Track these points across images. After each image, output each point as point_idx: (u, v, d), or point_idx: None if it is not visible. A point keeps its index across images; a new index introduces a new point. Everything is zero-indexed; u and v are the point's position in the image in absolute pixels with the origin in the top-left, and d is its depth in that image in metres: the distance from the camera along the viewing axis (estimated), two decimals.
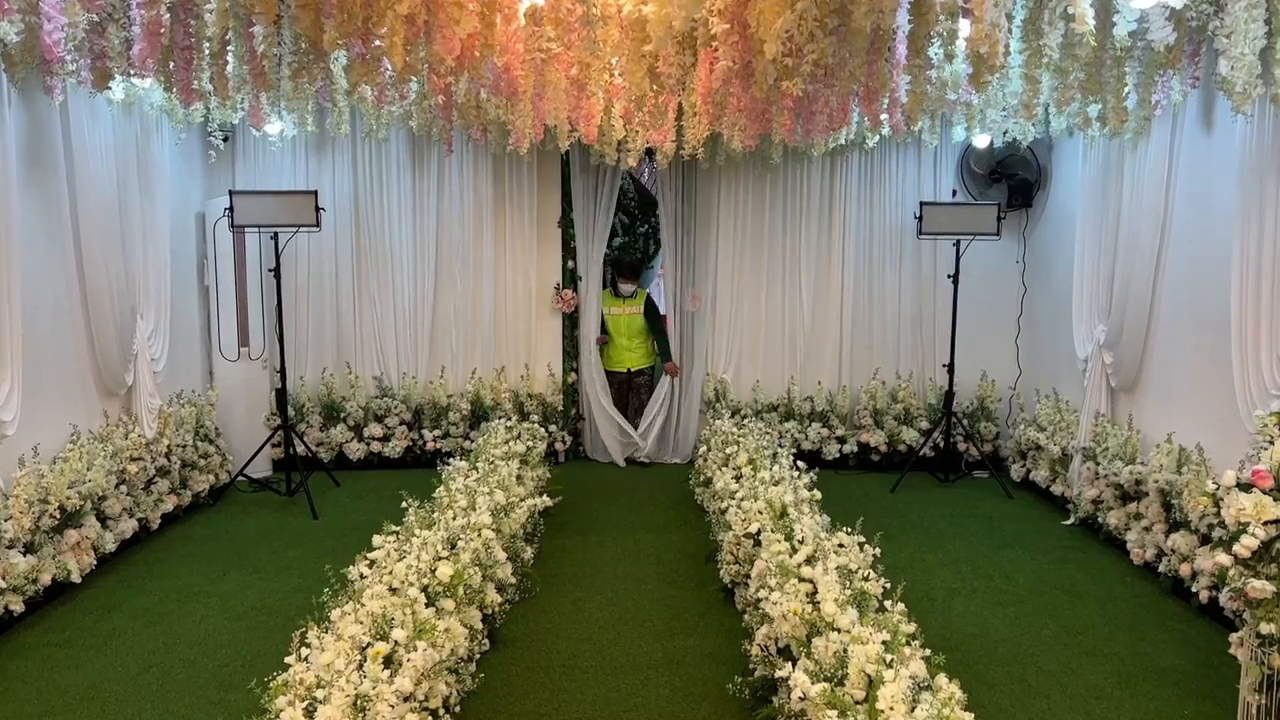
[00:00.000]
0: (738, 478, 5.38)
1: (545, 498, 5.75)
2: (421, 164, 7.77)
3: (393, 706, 2.71)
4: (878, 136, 6.93)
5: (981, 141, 7.31)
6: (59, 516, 4.80)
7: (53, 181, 5.21)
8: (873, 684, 2.81)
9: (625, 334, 8.02)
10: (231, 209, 6.40)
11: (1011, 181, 7.49)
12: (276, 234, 6.59)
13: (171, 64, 4.28)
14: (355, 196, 7.74)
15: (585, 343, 8.02)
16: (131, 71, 4.26)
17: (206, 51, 4.25)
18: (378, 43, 3.84)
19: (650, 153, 6.78)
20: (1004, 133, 6.45)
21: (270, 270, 6.73)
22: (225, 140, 7.25)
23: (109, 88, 4.53)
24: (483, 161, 7.80)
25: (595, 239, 7.92)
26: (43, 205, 5.15)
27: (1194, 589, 4.71)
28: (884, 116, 5.23)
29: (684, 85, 4.23)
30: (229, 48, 4.26)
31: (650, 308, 8.05)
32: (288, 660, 2.96)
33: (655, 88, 4.08)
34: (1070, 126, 6.04)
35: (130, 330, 5.84)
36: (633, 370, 8.14)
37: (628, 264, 8.13)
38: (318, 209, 6.42)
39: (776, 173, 7.85)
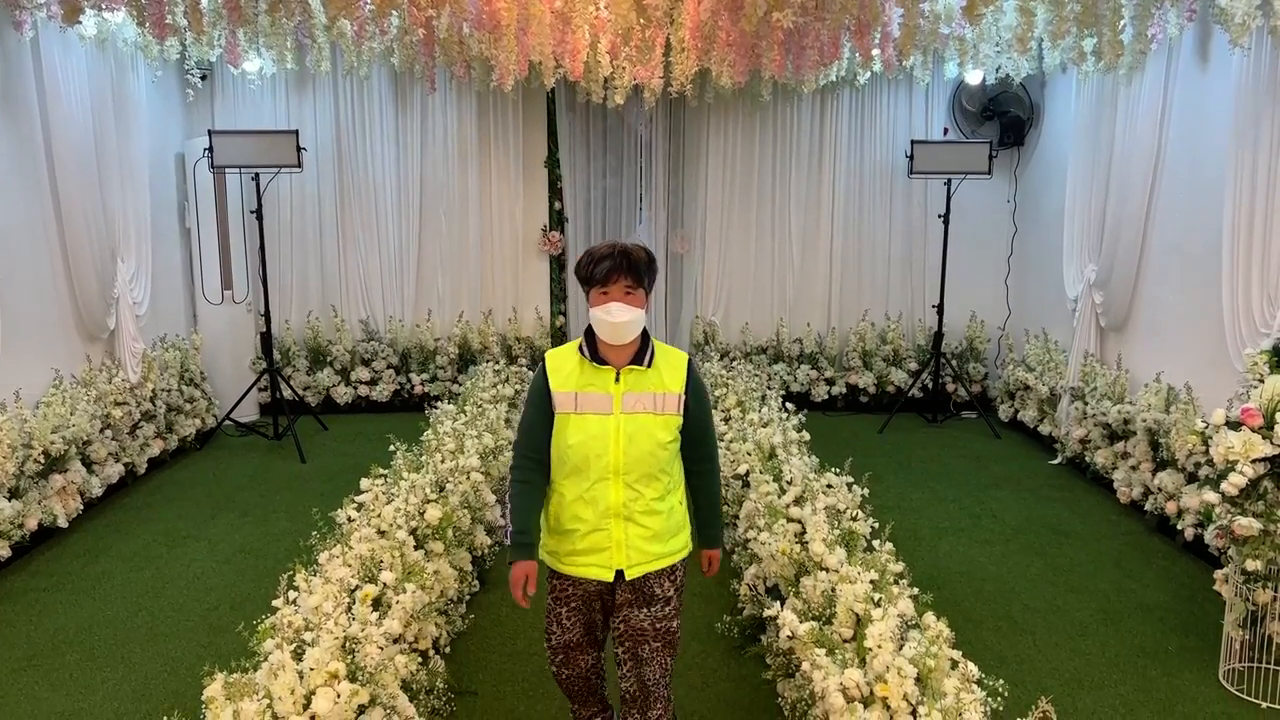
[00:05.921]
0: (726, 419, 5.37)
1: None
2: (405, 102, 7.62)
3: (382, 648, 2.71)
4: (869, 73, 6.82)
5: (974, 78, 7.20)
6: (43, 461, 4.77)
7: (25, 121, 5.08)
8: (861, 622, 2.82)
9: (615, 465, 2.54)
10: (211, 149, 6.28)
11: (1003, 119, 7.42)
12: (258, 175, 6.48)
13: None
14: (338, 135, 7.60)
15: (574, 284, 7.94)
16: (102, 5, 4.13)
17: None
18: None
19: (638, 90, 6.66)
20: (997, 69, 6.35)
21: (252, 212, 6.63)
22: (203, 78, 7.08)
23: (79, 22, 4.40)
24: (467, 99, 7.65)
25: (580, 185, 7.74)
26: (16, 145, 5.03)
27: (1179, 527, 4.76)
28: (875, 51, 5.14)
29: (672, 18, 4.13)
30: None
31: (699, 390, 2.68)
32: (276, 603, 2.95)
33: (642, 21, 3.99)
34: (1064, 62, 5.95)
35: (110, 273, 5.75)
36: (626, 577, 2.59)
37: (624, 255, 2.51)
38: (299, 149, 6.31)
39: (766, 111, 7.74)
